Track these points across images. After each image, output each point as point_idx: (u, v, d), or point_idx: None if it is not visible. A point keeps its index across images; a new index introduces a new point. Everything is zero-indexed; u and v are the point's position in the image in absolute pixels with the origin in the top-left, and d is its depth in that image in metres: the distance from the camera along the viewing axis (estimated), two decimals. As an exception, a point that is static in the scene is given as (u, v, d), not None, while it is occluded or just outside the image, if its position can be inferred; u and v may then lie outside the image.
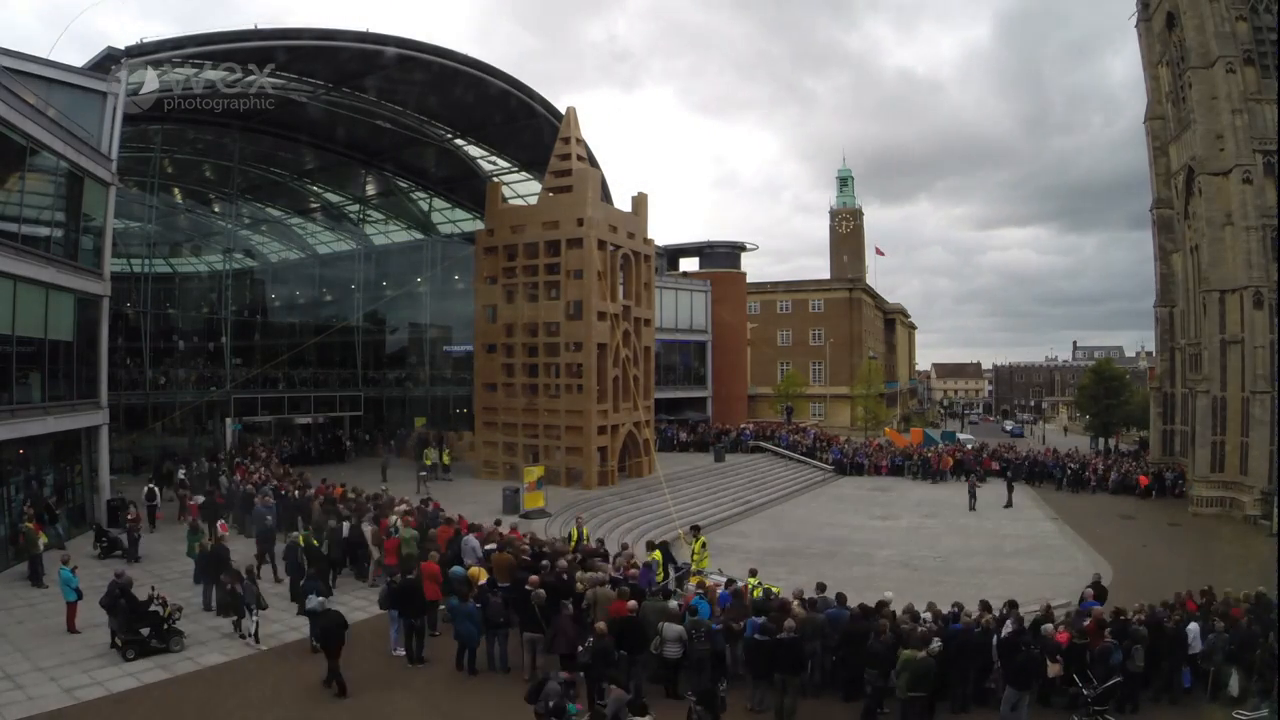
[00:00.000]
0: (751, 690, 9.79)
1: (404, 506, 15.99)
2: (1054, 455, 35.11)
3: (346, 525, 14.69)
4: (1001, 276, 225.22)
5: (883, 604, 10.83)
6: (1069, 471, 32.33)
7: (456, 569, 12.07)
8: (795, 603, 10.72)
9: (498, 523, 14.97)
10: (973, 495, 27.17)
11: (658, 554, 13.89)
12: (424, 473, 23.84)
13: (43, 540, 14.15)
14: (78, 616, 11.52)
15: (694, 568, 14.63)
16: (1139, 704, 10.20)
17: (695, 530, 16.49)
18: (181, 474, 20.75)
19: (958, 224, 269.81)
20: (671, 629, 9.89)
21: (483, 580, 11.71)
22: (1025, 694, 9.25)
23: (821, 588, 11.93)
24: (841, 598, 11.14)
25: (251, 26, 20.71)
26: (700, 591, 11.57)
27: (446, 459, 26.25)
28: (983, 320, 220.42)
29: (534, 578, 10.87)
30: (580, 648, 9.57)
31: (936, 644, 9.28)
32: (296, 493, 18.07)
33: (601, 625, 9.59)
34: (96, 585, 11.65)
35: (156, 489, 19.04)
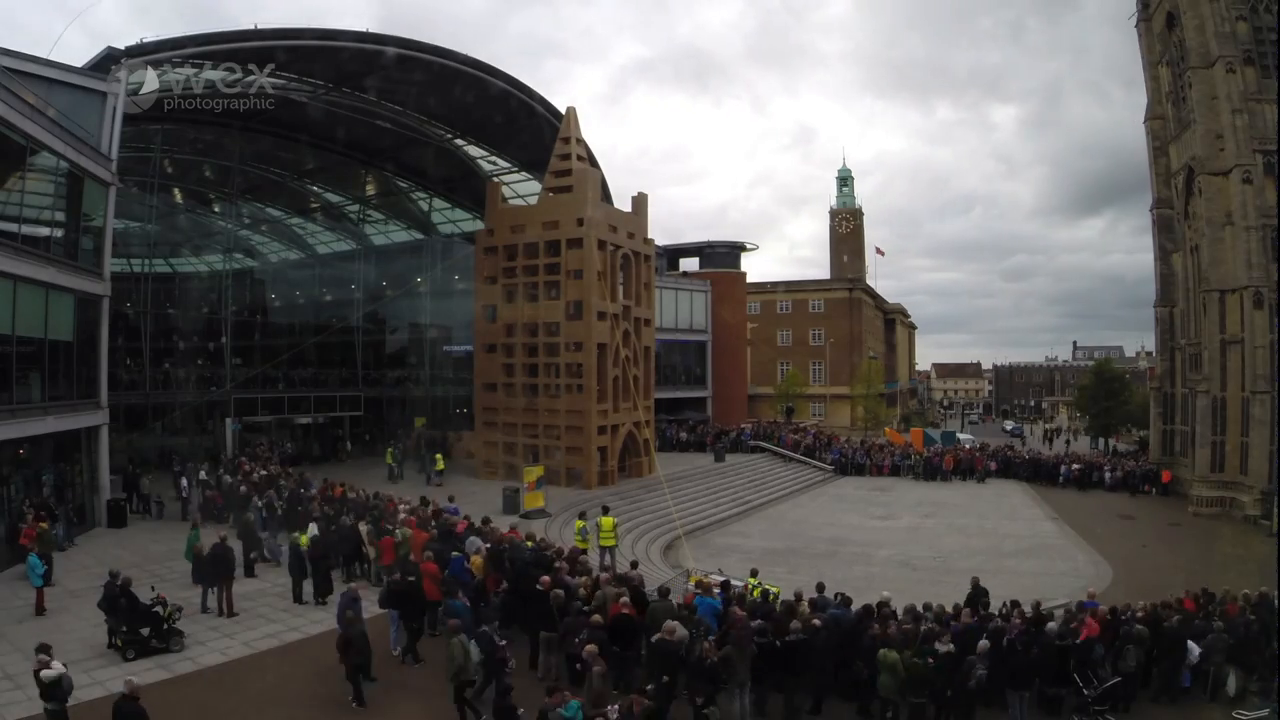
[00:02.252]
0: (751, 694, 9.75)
1: (405, 507, 15.98)
2: (1056, 455, 35.10)
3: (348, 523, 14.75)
4: (1103, 280, 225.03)
5: (883, 604, 10.82)
6: (1074, 471, 32.39)
7: (455, 565, 12.04)
8: (802, 604, 10.69)
9: (486, 520, 14.97)
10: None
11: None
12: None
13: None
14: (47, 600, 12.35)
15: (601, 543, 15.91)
16: (1136, 703, 10.19)
17: (605, 510, 17.45)
18: (184, 482, 20.61)
19: (1126, 233, 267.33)
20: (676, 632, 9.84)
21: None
22: (1022, 695, 9.26)
23: (820, 588, 11.92)
24: (846, 599, 11.13)
25: (251, 26, 20.76)
26: (700, 591, 11.56)
27: (441, 464, 25.63)
28: (1061, 320, 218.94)
29: (545, 578, 10.91)
30: (576, 640, 9.60)
31: (942, 648, 9.27)
32: (300, 491, 18.13)
33: (597, 617, 9.60)
34: (95, 585, 11.70)
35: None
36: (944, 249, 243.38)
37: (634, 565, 13.23)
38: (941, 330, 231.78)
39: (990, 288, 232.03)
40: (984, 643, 9.42)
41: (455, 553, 12.43)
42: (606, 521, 16.46)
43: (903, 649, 9.19)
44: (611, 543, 16.40)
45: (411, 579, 11.19)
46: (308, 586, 13.20)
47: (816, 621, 9.96)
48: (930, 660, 9.12)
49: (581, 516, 17.02)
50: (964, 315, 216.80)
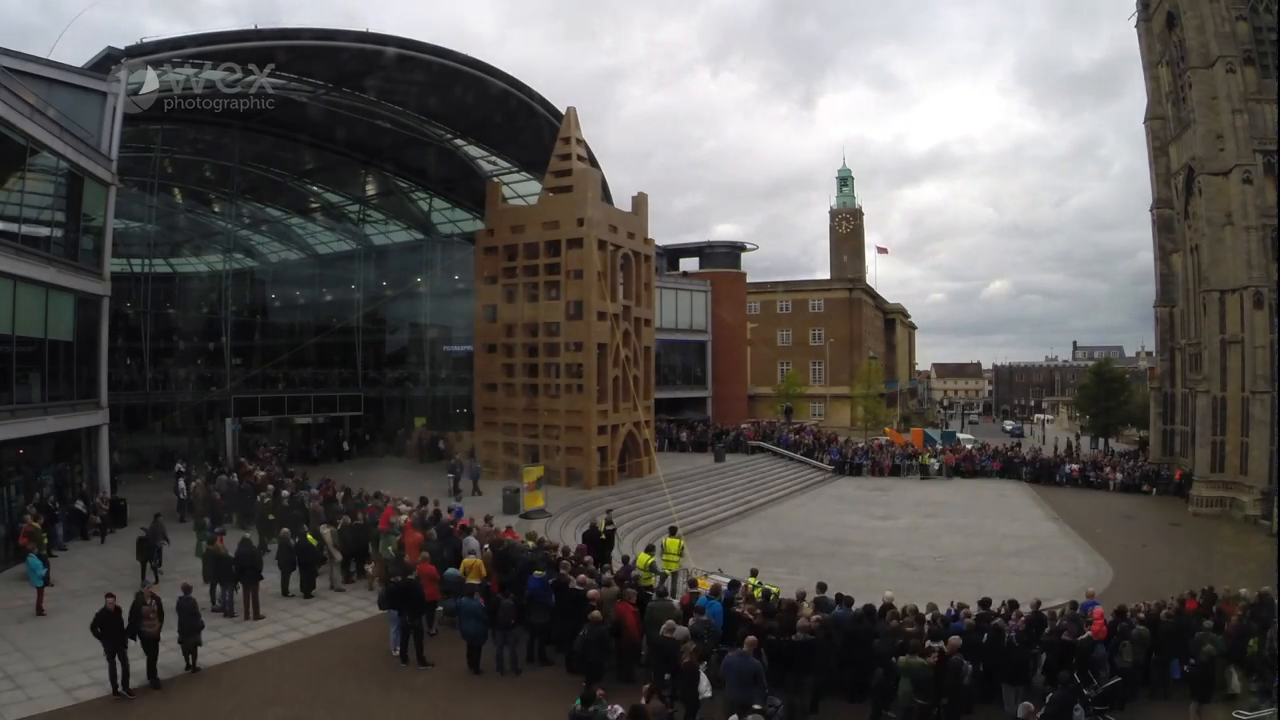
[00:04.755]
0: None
1: (406, 508, 15.95)
2: (1057, 456, 35.15)
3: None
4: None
5: (887, 605, 10.82)
6: (1073, 472, 32.35)
7: (451, 570, 12.03)
8: (806, 604, 10.68)
9: (488, 519, 14.98)
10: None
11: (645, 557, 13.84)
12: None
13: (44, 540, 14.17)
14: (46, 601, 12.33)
15: (664, 569, 14.50)
16: (1137, 702, 10.18)
17: (673, 531, 16.08)
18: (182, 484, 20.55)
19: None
20: (678, 630, 9.82)
21: (477, 575, 11.73)
22: (1018, 689, 9.28)
23: (822, 588, 11.88)
24: (848, 599, 11.12)
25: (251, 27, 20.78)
26: (702, 592, 11.55)
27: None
28: (1124, 318, 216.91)
29: (584, 577, 10.94)
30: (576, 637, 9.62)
31: (954, 640, 9.31)
32: (301, 492, 18.13)
33: (596, 614, 9.57)
34: (95, 586, 11.68)
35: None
36: (1077, 256, 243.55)
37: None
38: (992, 331, 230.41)
39: (1076, 289, 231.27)
40: (955, 639, 9.43)
41: (452, 570, 12.28)
42: (672, 543, 14.74)
43: (926, 654, 9.09)
44: (674, 566, 14.50)
45: (410, 578, 11.18)
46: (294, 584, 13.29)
47: (816, 619, 9.96)
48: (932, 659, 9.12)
49: (649, 550, 14.25)
50: (1039, 315, 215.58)
